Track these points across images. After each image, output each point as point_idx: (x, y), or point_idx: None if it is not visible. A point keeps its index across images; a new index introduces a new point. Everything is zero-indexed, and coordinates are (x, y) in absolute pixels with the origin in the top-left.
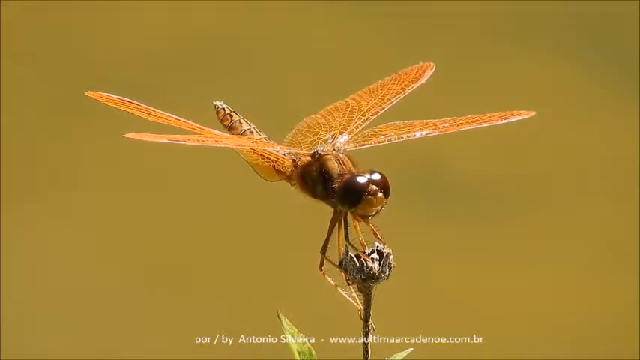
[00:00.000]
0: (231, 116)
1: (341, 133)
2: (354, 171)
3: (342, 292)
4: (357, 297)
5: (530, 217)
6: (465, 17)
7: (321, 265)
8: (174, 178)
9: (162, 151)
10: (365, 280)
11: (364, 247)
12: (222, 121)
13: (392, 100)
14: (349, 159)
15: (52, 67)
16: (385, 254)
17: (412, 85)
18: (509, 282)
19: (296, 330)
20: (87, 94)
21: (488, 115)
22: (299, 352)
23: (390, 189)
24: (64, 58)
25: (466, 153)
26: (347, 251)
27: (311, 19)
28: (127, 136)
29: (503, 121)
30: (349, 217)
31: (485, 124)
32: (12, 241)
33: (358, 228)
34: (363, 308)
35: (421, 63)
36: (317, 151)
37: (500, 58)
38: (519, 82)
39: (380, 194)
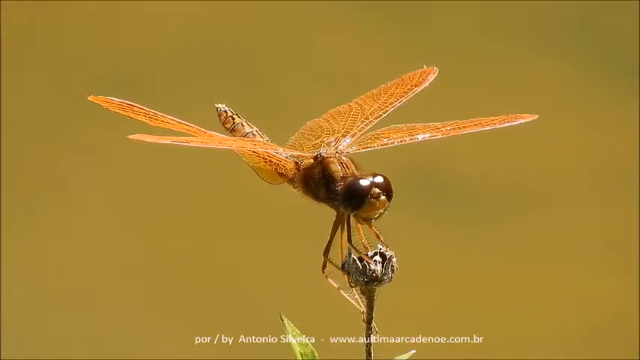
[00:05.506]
0: (233, 119)
1: (344, 136)
2: (356, 174)
3: (345, 295)
4: (359, 299)
5: (530, 217)
6: (465, 19)
7: (324, 267)
8: (174, 178)
9: (164, 152)
10: (367, 282)
11: (367, 250)
12: (224, 124)
13: (395, 103)
14: (352, 162)
15: (52, 67)
16: (388, 257)
17: (415, 89)
18: (509, 282)
19: (299, 332)
20: (90, 98)
21: (491, 118)
22: (302, 355)
23: (393, 192)
24: (64, 58)
25: (466, 153)
26: (349, 254)
27: (312, 20)
28: (130, 137)
29: (506, 124)
30: (352, 219)
31: (487, 127)
32: (12, 242)
33: (361, 231)
34: (365, 311)
35: (424, 67)
36: (320, 154)
37: (500, 60)
38: (519, 82)
39: (383, 197)
